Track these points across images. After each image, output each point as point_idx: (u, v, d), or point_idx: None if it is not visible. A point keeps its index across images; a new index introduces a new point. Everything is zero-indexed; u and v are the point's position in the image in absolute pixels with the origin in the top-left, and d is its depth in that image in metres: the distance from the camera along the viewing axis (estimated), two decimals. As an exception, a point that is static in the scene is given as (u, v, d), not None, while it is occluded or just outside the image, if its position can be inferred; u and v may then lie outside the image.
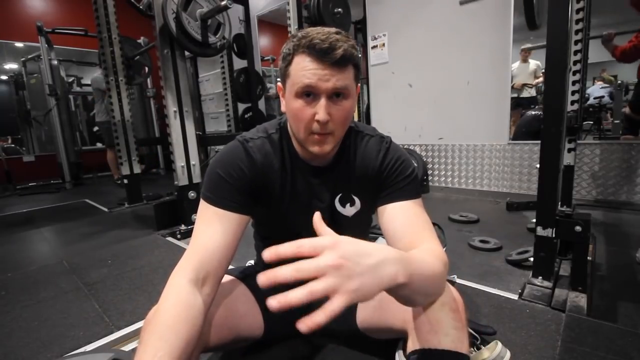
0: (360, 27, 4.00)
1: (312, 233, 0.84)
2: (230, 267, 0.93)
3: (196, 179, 2.32)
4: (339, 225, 0.85)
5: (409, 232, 0.71)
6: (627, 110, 2.83)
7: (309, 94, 0.67)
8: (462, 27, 2.82)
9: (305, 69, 0.65)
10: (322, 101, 0.66)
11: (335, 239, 0.45)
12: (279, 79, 0.75)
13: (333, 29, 0.67)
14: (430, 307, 0.65)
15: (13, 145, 5.15)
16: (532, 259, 1.38)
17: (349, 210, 0.83)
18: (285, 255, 0.43)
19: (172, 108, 2.18)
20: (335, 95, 0.67)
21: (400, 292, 0.51)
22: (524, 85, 3.84)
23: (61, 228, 2.62)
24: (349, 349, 0.96)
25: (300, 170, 0.80)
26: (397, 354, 0.84)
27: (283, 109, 0.74)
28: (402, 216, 0.74)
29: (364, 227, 0.98)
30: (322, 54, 0.64)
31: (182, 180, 2.26)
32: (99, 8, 2.81)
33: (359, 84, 0.75)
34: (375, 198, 0.80)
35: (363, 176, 0.80)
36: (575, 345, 0.98)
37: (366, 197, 0.83)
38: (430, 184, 3.28)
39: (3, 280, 1.66)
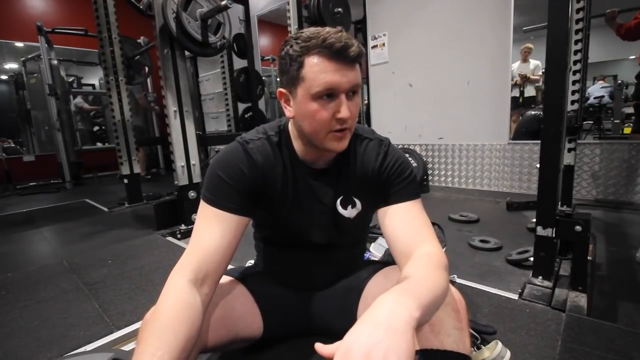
0: (360, 27, 4.00)
1: (311, 235, 0.85)
2: (230, 266, 0.93)
3: (196, 178, 2.32)
4: (341, 227, 0.85)
5: (407, 235, 0.72)
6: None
7: (330, 94, 0.67)
8: (462, 27, 2.82)
9: (325, 70, 0.65)
10: (343, 99, 0.67)
11: (342, 352, 0.43)
12: (281, 87, 0.73)
13: (338, 28, 0.67)
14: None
15: (13, 145, 5.15)
16: (532, 258, 1.38)
17: (350, 212, 0.84)
18: None
19: (172, 108, 2.18)
20: (352, 92, 0.68)
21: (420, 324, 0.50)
22: (525, 78, 3.76)
23: (61, 228, 2.61)
24: (349, 349, 0.96)
25: (301, 173, 0.80)
26: (397, 354, 0.84)
27: (289, 114, 0.73)
28: (401, 218, 0.74)
29: (364, 228, 0.98)
30: (338, 53, 0.64)
31: (182, 180, 2.26)
32: (99, 8, 2.81)
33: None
34: (375, 200, 0.80)
35: (363, 178, 0.80)
36: (575, 344, 0.98)
37: (366, 198, 0.83)
38: (430, 183, 3.28)
39: (3, 280, 1.66)
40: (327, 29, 0.66)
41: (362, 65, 0.71)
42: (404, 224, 0.73)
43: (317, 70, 0.65)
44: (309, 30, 0.67)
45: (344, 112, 0.66)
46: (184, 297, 0.62)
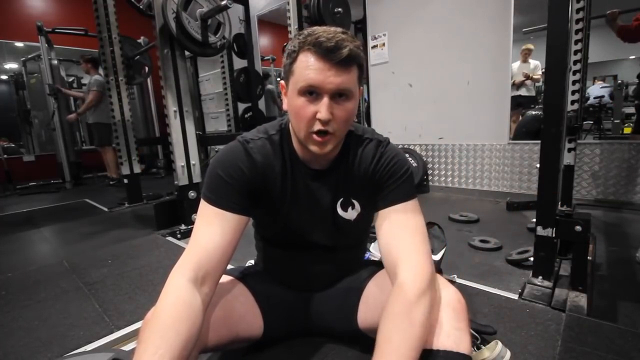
0: (360, 27, 4.00)
1: (312, 236, 0.85)
2: (230, 266, 0.93)
3: (196, 178, 2.32)
4: (342, 228, 0.85)
5: (392, 249, 0.72)
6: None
7: (312, 92, 0.66)
8: (462, 27, 2.82)
9: (309, 67, 0.65)
10: (325, 100, 0.66)
11: None
12: (279, 78, 0.74)
13: (339, 29, 0.67)
14: (432, 308, 0.65)
15: (13, 145, 5.15)
16: (532, 258, 1.38)
17: (350, 214, 0.83)
18: None
19: (172, 108, 2.18)
20: (338, 95, 0.67)
21: None
22: (528, 77, 3.75)
23: (61, 228, 2.61)
24: (349, 349, 0.96)
25: (300, 173, 0.80)
26: (397, 354, 0.84)
27: (285, 107, 0.74)
28: (390, 226, 0.75)
29: (365, 229, 0.97)
30: (327, 52, 0.63)
31: (182, 180, 2.25)
32: (99, 8, 2.81)
33: (362, 87, 0.74)
34: (373, 201, 0.80)
35: (360, 180, 0.80)
36: (575, 344, 0.98)
37: (365, 200, 0.83)
38: (430, 183, 3.28)
39: (3, 280, 1.65)
40: (332, 28, 0.66)
41: (362, 69, 0.69)
42: (391, 234, 0.74)
43: (303, 66, 0.66)
44: (313, 28, 0.67)
45: (322, 114, 0.66)
46: (184, 297, 0.62)
